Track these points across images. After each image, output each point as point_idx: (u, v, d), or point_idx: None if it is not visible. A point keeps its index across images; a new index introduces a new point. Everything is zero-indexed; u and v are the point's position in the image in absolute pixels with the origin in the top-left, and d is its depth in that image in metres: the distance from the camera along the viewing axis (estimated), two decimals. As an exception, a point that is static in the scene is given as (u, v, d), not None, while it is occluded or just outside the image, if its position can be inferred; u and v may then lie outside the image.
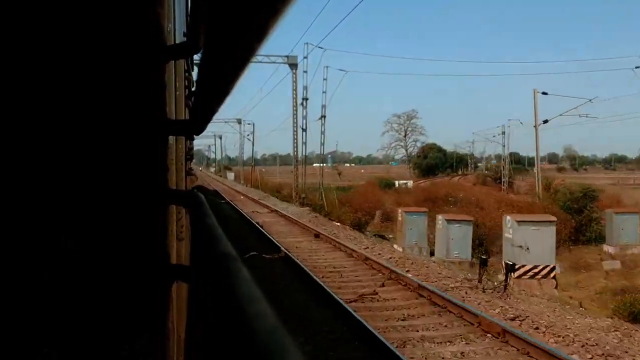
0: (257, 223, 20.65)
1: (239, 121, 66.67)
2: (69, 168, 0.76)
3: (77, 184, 0.77)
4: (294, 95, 37.63)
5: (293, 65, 37.13)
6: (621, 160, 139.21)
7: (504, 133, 58.48)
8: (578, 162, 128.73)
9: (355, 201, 40.42)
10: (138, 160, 0.85)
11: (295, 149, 39.34)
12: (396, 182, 66.92)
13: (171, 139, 1.26)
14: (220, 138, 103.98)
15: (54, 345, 0.73)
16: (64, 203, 0.75)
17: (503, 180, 59.30)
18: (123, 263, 0.83)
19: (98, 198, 0.79)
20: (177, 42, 1.51)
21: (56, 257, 0.74)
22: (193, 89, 3.11)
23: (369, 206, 38.21)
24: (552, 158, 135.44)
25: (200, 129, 1.31)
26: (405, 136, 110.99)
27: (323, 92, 37.81)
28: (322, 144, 39.61)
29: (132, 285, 0.84)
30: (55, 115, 0.74)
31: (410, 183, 68.80)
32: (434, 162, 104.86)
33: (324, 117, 38.32)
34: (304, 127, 37.64)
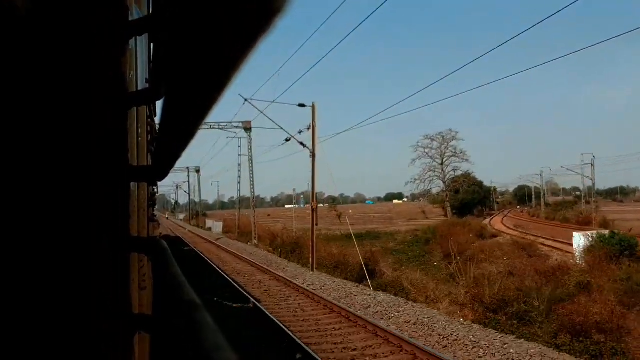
0: None
1: (247, 129, 41.08)
2: (25, 217, 0.74)
3: (34, 232, 0.75)
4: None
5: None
6: (621, 191, 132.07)
7: None
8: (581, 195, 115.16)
9: None
10: (98, 207, 0.83)
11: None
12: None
13: (133, 185, 1.24)
14: (198, 172, 79.46)
15: None
16: (21, 252, 0.73)
17: None
18: (82, 314, 0.80)
19: (57, 246, 0.77)
20: (139, 88, 1.52)
21: (12, 309, 0.71)
22: (156, 134, 3.09)
23: None
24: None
25: (162, 175, 1.30)
26: (442, 164, 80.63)
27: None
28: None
29: (91, 337, 0.81)
30: (12, 164, 0.72)
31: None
32: (471, 198, 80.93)
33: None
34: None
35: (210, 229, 66.08)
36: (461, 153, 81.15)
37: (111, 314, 0.85)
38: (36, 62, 0.73)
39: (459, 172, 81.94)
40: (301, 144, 26.29)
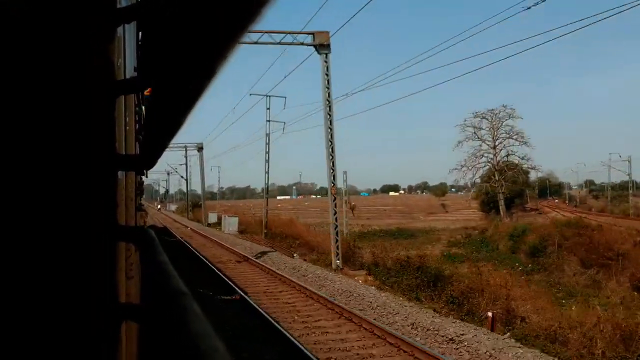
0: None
1: (323, 45, 21.71)
2: (11, 206, 0.73)
3: (20, 221, 0.74)
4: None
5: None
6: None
7: None
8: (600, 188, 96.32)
9: None
10: (86, 196, 0.83)
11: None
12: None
13: (120, 174, 1.23)
14: (201, 150, 60.14)
15: None
16: (7, 243, 0.72)
17: None
18: (69, 303, 0.80)
19: (44, 236, 0.77)
20: (127, 76, 1.50)
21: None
22: (144, 123, 3.06)
23: None
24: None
25: (150, 164, 1.29)
26: (494, 147, 63.96)
27: None
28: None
29: (78, 326, 0.81)
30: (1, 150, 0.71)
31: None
32: (518, 190, 65.49)
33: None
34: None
35: (215, 225, 49.20)
36: (517, 134, 63.65)
37: (98, 303, 0.85)
38: (23, 50, 0.72)
39: (513, 158, 64.59)
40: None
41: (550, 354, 11.23)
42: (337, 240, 22.12)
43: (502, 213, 61.22)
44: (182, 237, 32.53)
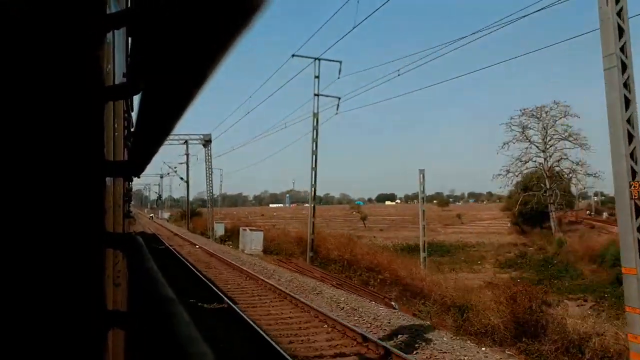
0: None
1: None
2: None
3: (5, 227, 0.74)
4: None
5: None
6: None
7: None
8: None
9: None
10: (73, 202, 0.82)
11: None
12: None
13: (108, 180, 1.23)
14: (208, 144, 45.19)
15: None
16: None
17: None
18: (55, 310, 0.79)
19: (30, 242, 0.76)
20: (116, 82, 1.50)
21: None
22: (132, 129, 3.06)
23: None
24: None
25: (139, 170, 1.29)
26: (544, 150, 53.75)
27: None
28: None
29: (63, 335, 0.80)
30: None
31: None
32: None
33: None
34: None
35: (224, 239, 38.18)
36: (571, 136, 52.26)
37: (85, 310, 0.85)
38: (10, 54, 0.72)
39: (566, 162, 53.59)
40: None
41: None
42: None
43: (553, 227, 52.89)
44: (195, 265, 20.60)
